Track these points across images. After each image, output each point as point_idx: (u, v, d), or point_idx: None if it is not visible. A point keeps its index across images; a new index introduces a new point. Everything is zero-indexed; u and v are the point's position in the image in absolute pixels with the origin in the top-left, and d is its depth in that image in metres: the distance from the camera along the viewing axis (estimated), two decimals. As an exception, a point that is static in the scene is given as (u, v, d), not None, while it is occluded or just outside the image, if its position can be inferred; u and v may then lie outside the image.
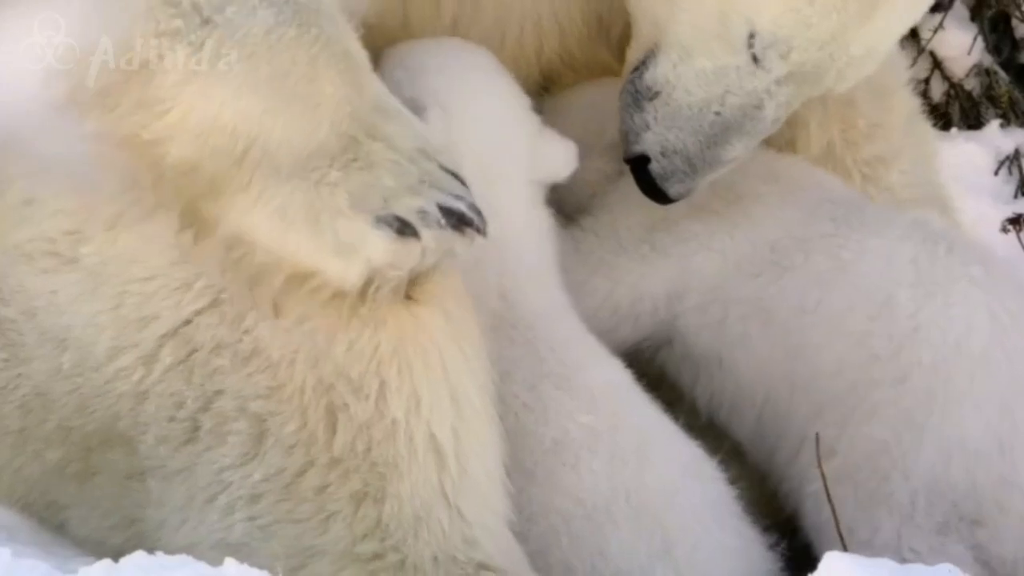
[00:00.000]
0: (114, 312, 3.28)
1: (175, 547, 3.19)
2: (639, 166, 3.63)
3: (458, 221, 3.11)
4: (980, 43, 5.57)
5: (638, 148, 3.62)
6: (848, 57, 3.46)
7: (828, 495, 3.45)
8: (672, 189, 3.60)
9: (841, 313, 3.61)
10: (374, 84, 3.23)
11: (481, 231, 3.13)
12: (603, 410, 3.40)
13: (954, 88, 5.57)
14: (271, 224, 3.15)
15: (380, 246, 3.10)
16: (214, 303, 3.24)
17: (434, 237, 3.11)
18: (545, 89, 3.96)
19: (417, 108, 3.39)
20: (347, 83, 3.16)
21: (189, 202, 3.20)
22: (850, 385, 3.56)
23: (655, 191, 3.62)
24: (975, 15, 5.63)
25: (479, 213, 3.13)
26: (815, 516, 3.56)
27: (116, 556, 3.05)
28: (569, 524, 3.34)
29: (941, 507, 3.47)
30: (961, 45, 5.55)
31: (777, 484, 3.67)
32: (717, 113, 3.54)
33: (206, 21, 3.14)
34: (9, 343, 3.38)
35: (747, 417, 3.70)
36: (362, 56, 3.24)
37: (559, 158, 3.68)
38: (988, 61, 5.60)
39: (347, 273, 3.14)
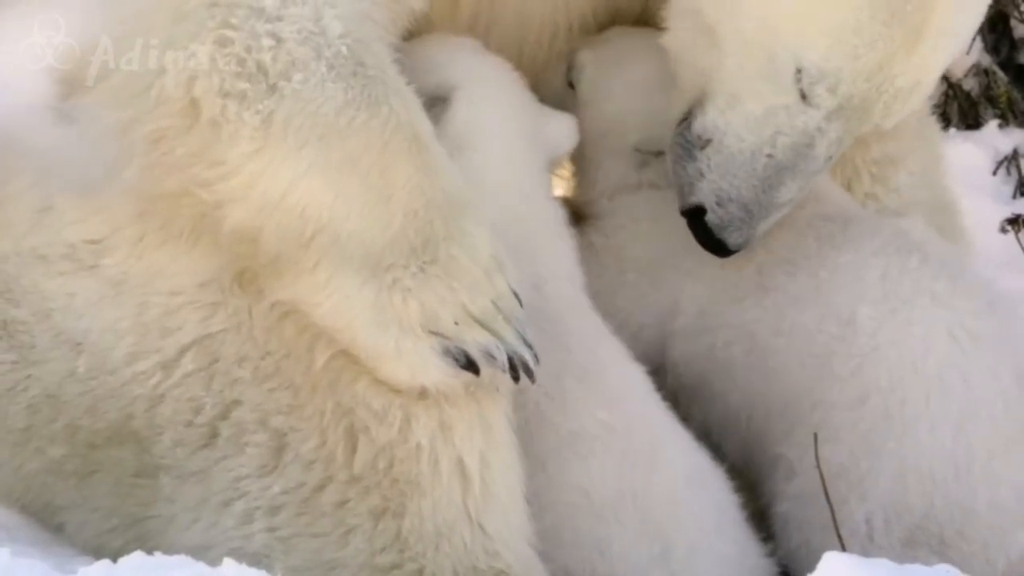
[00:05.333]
0: (136, 319, 3.27)
1: (183, 546, 3.21)
2: (695, 218, 3.60)
3: (518, 370, 3.18)
4: (979, 43, 5.55)
5: (693, 199, 3.59)
6: (895, 90, 3.47)
7: (827, 495, 3.43)
8: (731, 238, 3.57)
9: (810, 333, 3.58)
10: (443, 165, 3.23)
11: (533, 379, 3.19)
12: (621, 410, 3.42)
13: (952, 88, 5.57)
14: (335, 313, 3.17)
15: (439, 375, 3.16)
16: (239, 326, 3.25)
17: (491, 375, 3.18)
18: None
19: (438, 100, 3.40)
20: (419, 170, 3.17)
21: (246, 269, 3.21)
22: (813, 406, 3.54)
23: (713, 242, 3.59)
24: (973, 15, 5.62)
25: (535, 358, 3.19)
26: (784, 538, 3.55)
27: (115, 559, 3.06)
28: (574, 518, 3.35)
29: (901, 526, 3.45)
30: (959, 45, 5.55)
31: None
32: (769, 155, 3.52)
33: (272, 88, 3.12)
34: (19, 344, 3.36)
35: (734, 440, 3.69)
36: (429, 132, 3.23)
37: (562, 131, 3.70)
38: (987, 61, 5.59)
39: (398, 379, 3.19)
